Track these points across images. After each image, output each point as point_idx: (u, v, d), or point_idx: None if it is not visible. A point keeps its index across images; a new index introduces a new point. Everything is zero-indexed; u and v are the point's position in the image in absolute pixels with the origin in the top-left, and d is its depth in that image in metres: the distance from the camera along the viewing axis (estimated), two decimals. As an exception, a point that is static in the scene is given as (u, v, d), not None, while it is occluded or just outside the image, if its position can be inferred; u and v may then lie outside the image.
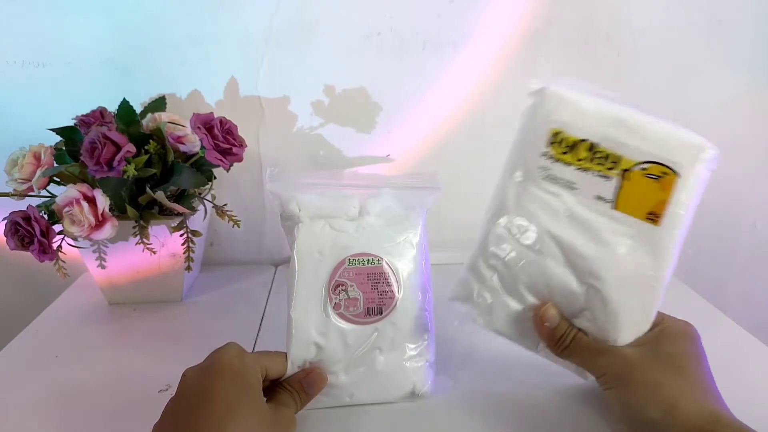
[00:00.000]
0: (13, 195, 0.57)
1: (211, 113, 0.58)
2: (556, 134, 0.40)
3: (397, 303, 0.44)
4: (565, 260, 0.40)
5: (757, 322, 0.63)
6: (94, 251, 0.61)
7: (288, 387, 0.41)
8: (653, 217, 0.38)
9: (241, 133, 0.61)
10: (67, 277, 0.57)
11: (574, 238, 0.40)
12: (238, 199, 0.72)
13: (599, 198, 0.39)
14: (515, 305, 0.42)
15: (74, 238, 0.56)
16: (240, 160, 0.59)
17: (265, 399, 0.39)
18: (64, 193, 0.54)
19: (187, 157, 0.60)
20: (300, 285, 0.44)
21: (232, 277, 0.73)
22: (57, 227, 0.55)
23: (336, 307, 0.44)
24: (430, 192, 0.48)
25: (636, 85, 0.73)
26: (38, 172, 0.55)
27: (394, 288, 0.44)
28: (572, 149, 0.40)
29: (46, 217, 0.55)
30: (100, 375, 0.52)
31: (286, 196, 0.46)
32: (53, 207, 0.54)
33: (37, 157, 0.56)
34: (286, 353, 0.43)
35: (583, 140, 0.39)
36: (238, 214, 0.62)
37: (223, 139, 0.58)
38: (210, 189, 0.66)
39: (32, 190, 0.57)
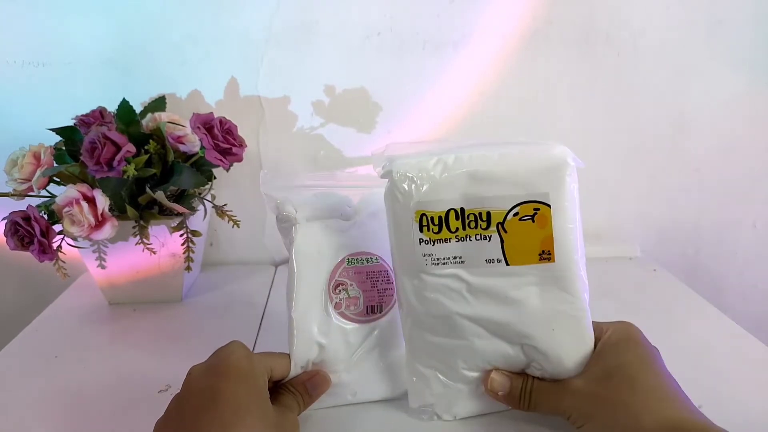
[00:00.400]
0: (12, 195, 0.57)
1: (211, 113, 0.58)
2: (421, 216, 0.39)
3: (397, 300, 0.44)
4: (488, 333, 0.40)
5: (757, 322, 0.63)
6: (94, 251, 0.61)
7: (291, 389, 0.41)
8: (546, 255, 0.38)
9: (241, 133, 0.61)
10: (67, 277, 0.57)
11: (486, 311, 0.40)
12: (238, 199, 0.72)
13: (489, 261, 0.39)
14: (470, 389, 0.43)
15: (74, 238, 0.56)
16: (240, 160, 0.59)
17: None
18: (63, 193, 0.54)
19: (187, 157, 0.60)
20: (300, 286, 0.43)
21: (232, 277, 0.73)
22: (57, 227, 0.55)
23: (337, 306, 0.44)
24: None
25: (636, 85, 0.73)
26: (38, 172, 0.55)
27: (394, 286, 0.44)
28: (443, 224, 0.39)
29: (46, 217, 0.55)
30: (100, 375, 0.52)
31: (282, 198, 0.46)
32: (53, 207, 0.54)
33: (36, 157, 0.56)
34: (288, 356, 0.42)
35: (448, 211, 0.39)
36: (238, 214, 0.62)
37: (222, 139, 0.58)
38: (210, 189, 0.66)
39: (32, 190, 0.57)
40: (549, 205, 0.38)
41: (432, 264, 0.39)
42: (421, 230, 0.39)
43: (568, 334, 0.39)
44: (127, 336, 0.59)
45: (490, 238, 0.38)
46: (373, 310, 0.44)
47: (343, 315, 0.44)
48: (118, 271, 0.63)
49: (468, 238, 0.39)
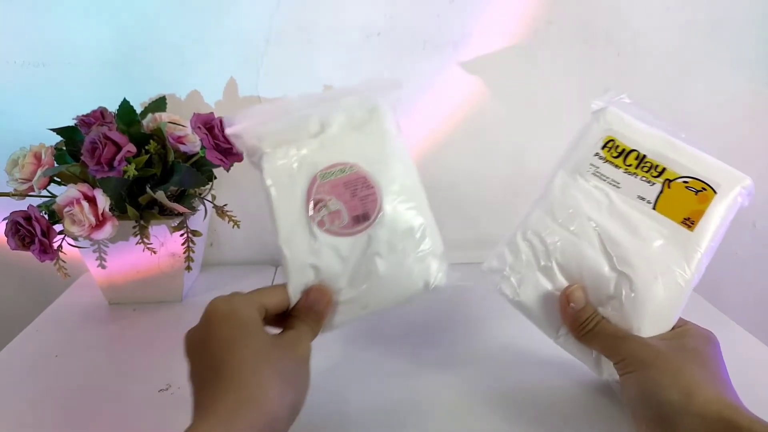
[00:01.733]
0: (13, 195, 0.57)
1: (211, 113, 0.58)
2: (610, 140, 0.44)
3: (383, 203, 0.43)
4: (600, 246, 0.42)
5: (757, 322, 0.63)
6: (94, 251, 0.61)
7: (295, 314, 0.41)
8: (689, 222, 0.42)
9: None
10: (68, 277, 0.57)
11: (612, 227, 0.42)
12: (238, 199, 0.72)
13: (641, 198, 0.43)
14: (545, 283, 0.43)
15: (75, 238, 0.56)
16: (240, 160, 0.59)
17: (280, 331, 0.39)
18: (64, 192, 0.54)
19: (187, 157, 0.60)
20: (280, 214, 0.43)
21: (232, 277, 0.73)
22: (57, 227, 0.55)
23: (320, 224, 0.42)
24: (392, 90, 0.47)
25: (636, 85, 0.73)
26: (39, 172, 0.56)
27: (376, 190, 0.43)
28: (622, 155, 0.44)
29: (46, 216, 0.55)
30: (101, 374, 0.52)
31: (246, 133, 0.44)
32: (54, 207, 0.54)
33: (37, 157, 0.56)
34: (283, 286, 0.42)
35: (633, 150, 0.44)
36: (238, 215, 0.62)
37: (223, 139, 0.58)
38: (210, 189, 0.66)
39: (33, 190, 0.57)
40: (716, 192, 0.42)
41: (593, 174, 0.44)
42: (602, 148, 0.45)
43: (663, 292, 0.41)
44: (128, 336, 0.59)
45: (653, 184, 0.43)
46: (359, 219, 0.42)
47: (329, 231, 0.42)
48: (119, 271, 0.63)
49: (635, 176, 0.43)
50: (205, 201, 0.63)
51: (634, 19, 0.70)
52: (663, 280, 0.41)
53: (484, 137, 0.74)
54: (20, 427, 0.45)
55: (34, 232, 0.53)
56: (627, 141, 0.44)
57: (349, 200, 0.43)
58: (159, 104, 0.66)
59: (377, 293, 0.43)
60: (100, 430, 0.45)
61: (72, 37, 0.67)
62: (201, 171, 0.60)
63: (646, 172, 0.43)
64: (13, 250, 0.54)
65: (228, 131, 0.45)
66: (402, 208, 0.43)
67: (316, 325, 0.41)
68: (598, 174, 0.44)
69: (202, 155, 0.59)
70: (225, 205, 0.63)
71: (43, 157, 0.56)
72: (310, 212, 0.42)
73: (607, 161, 0.44)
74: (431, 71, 0.70)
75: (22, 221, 0.53)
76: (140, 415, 0.46)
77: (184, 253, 0.59)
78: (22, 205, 0.55)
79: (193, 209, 0.61)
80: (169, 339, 0.58)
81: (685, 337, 0.40)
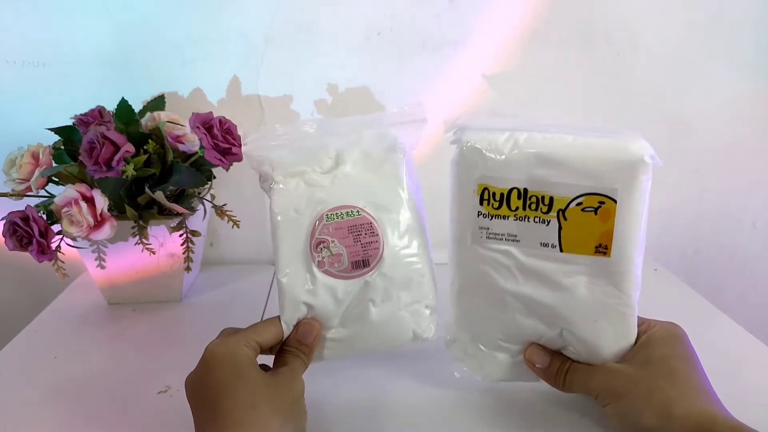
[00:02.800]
0: (11, 195, 0.57)
1: (211, 113, 0.58)
2: (483, 190, 0.39)
3: (384, 252, 0.42)
4: (530, 313, 0.41)
5: (756, 322, 0.63)
6: (93, 251, 0.60)
7: (286, 348, 0.42)
8: (602, 249, 0.37)
9: (241, 132, 0.61)
10: (66, 278, 0.57)
11: (532, 291, 0.40)
12: (237, 199, 0.72)
13: (544, 245, 0.39)
14: (502, 356, 0.44)
15: (73, 239, 0.56)
16: (240, 159, 0.59)
17: (272, 366, 0.41)
18: (62, 193, 0.54)
19: (186, 156, 0.59)
20: (282, 246, 0.43)
21: (232, 277, 0.73)
22: (56, 227, 0.55)
23: (320, 265, 0.42)
24: (417, 126, 0.46)
25: (636, 85, 0.73)
26: (37, 172, 0.55)
27: (380, 238, 0.42)
28: (504, 201, 0.39)
29: (44, 217, 0.54)
30: (100, 375, 0.52)
31: (259, 157, 0.44)
32: (52, 207, 0.54)
33: (35, 157, 0.56)
34: (277, 319, 0.43)
35: (511, 189, 0.39)
36: (237, 214, 0.62)
37: (222, 139, 0.57)
38: (209, 189, 0.65)
39: (31, 190, 0.56)
40: (615, 201, 0.36)
41: (486, 238, 0.40)
42: (481, 203, 0.39)
43: (611, 327, 0.39)
44: (127, 336, 0.59)
45: (548, 222, 0.38)
46: (359, 265, 0.42)
47: (327, 273, 0.42)
48: (118, 271, 0.63)
49: (526, 219, 0.38)
50: (205, 201, 0.63)
51: (634, 19, 0.69)
52: (604, 319, 0.39)
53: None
54: (19, 427, 0.45)
55: (31, 233, 0.52)
56: (500, 182, 0.39)
57: (352, 245, 0.42)
58: (157, 103, 0.65)
59: (366, 338, 0.44)
60: (99, 431, 0.44)
61: (71, 36, 0.67)
62: (200, 171, 0.60)
63: (535, 209, 0.38)
64: (11, 250, 0.54)
65: (244, 149, 0.45)
66: (403, 258, 0.43)
67: (308, 358, 0.42)
68: (491, 235, 0.40)
69: (201, 155, 0.59)
70: (224, 204, 0.62)
71: (41, 156, 0.56)
72: (312, 252, 0.42)
73: (492, 216, 0.39)
74: (431, 71, 0.70)
75: (19, 222, 0.53)
76: (139, 416, 0.46)
77: (184, 253, 0.59)
78: (20, 205, 0.55)
79: (192, 209, 0.60)
80: (169, 339, 0.58)
81: (650, 345, 0.39)
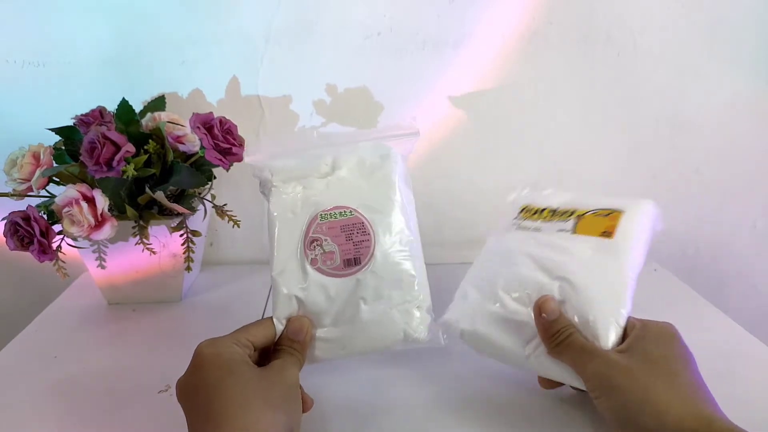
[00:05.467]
0: (12, 195, 0.57)
1: (211, 113, 0.58)
2: (524, 208, 0.53)
3: (375, 251, 0.44)
4: (536, 266, 0.46)
5: (757, 322, 0.63)
6: (93, 251, 0.60)
7: (280, 347, 0.43)
8: (607, 233, 0.46)
9: (241, 132, 0.61)
10: (67, 277, 0.57)
11: (542, 251, 0.46)
12: (238, 199, 0.72)
13: (561, 230, 0.48)
14: (497, 309, 0.45)
15: (74, 238, 0.56)
16: (240, 159, 0.59)
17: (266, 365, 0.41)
18: (63, 193, 0.54)
19: (186, 156, 0.60)
20: (277, 246, 0.45)
21: (232, 277, 0.73)
22: (56, 227, 0.55)
23: (313, 262, 0.44)
24: (409, 138, 0.50)
25: (636, 85, 0.73)
26: (37, 172, 0.55)
27: (371, 237, 0.44)
28: (537, 212, 0.51)
29: (45, 217, 0.55)
30: (100, 375, 0.52)
31: (260, 164, 0.48)
32: (53, 207, 0.54)
33: (36, 157, 0.56)
34: (270, 318, 0.44)
35: (545, 208, 0.51)
36: (237, 214, 0.62)
37: (222, 139, 0.57)
38: (210, 189, 0.66)
39: (31, 190, 0.57)
40: (622, 212, 0.47)
41: (516, 228, 0.51)
42: (519, 212, 0.53)
43: (605, 290, 0.43)
44: (127, 336, 0.59)
45: (567, 220, 0.48)
46: (351, 263, 0.44)
47: (320, 270, 0.44)
48: (118, 271, 0.63)
49: (551, 221, 0.49)
50: (205, 201, 0.63)
51: (634, 19, 0.69)
52: (601, 281, 0.43)
53: (483, 138, 0.74)
54: (20, 427, 0.45)
55: (32, 233, 0.52)
56: (538, 204, 0.52)
57: (344, 243, 0.44)
58: (158, 104, 0.66)
59: (358, 337, 0.44)
60: (99, 430, 0.45)
61: (72, 36, 0.67)
62: (200, 171, 0.60)
63: (560, 216, 0.49)
64: (12, 250, 0.54)
65: (246, 159, 0.48)
66: (394, 258, 0.45)
67: (301, 355, 0.42)
68: (520, 227, 0.50)
69: (202, 155, 0.59)
70: (225, 204, 0.62)
71: (41, 157, 0.56)
72: (306, 249, 0.44)
73: (525, 219, 0.51)
74: (431, 71, 0.70)
75: (20, 221, 0.53)
76: (139, 416, 0.46)
77: (184, 253, 0.59)
78: (21, 205, 0.55)
79: (193, 209, 0.61)
80: (169, 339, 0.58)
81: (647, 343, 0.39)
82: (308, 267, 0.44)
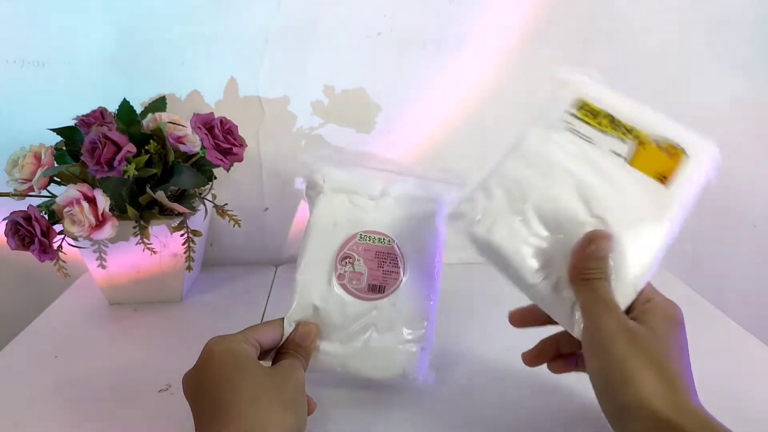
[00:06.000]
0: (13, 195, 0.57)
1: (212, 113, 0.58)
2: (581, 102, 0.44)
3: (401, 285, 0.45)
4: (576, 192, 0.41)
5: (757, 322, 0.63)
6: (94, 251, 0.61)
7: (284, 350, 0.43)
8: (663, 178, 0.41)
9: (241, 133, 0.61)
10: (68, 277, 0.57)
11: (588, 176, 0.41)
12: (238, 199, 0.72)
13: (615, 153, 0.42)
14: (520, 227, 0.41)
15: (75, 238, 0.56)
16: (240, 159, 0.60)
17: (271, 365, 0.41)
18: (64, 193, 0.54)
19: (187, 157, 0.60)
20: (310, 251, 0.46)
21: (232, 277, 0.73)
22: (57, 227, 0.55)
23: (340, 277, 0.45)
24: (455, 187, 0.49)
25: (636, 85, 0.72)
26: (39, 172, 0.55)
27: (400, 270, 0.45)
28: (594, 116, 0.43)
29: (46, 216, 0.55)
30: (101, 375, 0.52)
31: (314, 166, 0.48)
32: (54, 207, 0.54)
33: (37, 157, 0.56)
34: (280, 320, 0.44)
35: (606, 112, 0.43)
36: (238, 214, 0.62)
37: (223, 139, 0.58)
38: (210, 189, 0.66)
39: (33, 190, 0.57)
40: (686, 155, 0.41)
41: (566, 130, 0.43)
42: (574, 107, 0.44)
43: (637, 236, 0.40)
44: (128, 336, 0.59)
45: (625, 141, 0.42)
46: (375, 289, 0.45)
47: (344, 287, 0.45)
48: (119, 271, 0.63)
49: (607, 134, 0.43)
50: (206, 201, 0.63)
51: (634, 19, 0.70)
52: (639, 228, 0.40)
53: (484, 138, 0.74)
54: (20, 426, 0.45)
55: (33, 232, 0.53)
56: (599, 104, 0.44)
57: (374, 269, 0.46)
58: (159, 104, 0.66)
59: (359, 361, 0.45)
60: (100, 430, 0.45)
61: (72, 36, 0.67)
62: (201, 171, 0.60)
63: (619, 131, 0.43)
64: (13, 250, 0.54)
65: (300, 158, 0.48)
66: (415, 296, 0.46)
67: (305, 360, 0.42)
68: (571, 130, 0.43)
69: (202, 155, 0.59)
70: (225, 204, 0.63)
71: (43, 157, 0.56)
72: (337, 263, 0.45)
73: (579, 119, 0.43)
74: (431, 71, 0.70)
75: (21, 221, 0.53)
76: (140, 415, 0.46)
77: (185, 252, 0.59)
78: (22, 205, 0.55)
79: (194, 209, 0.61)
80: (170, 339, 0.58)
81: (656, 319, 0.37)
82: (335, 280, 0.45)
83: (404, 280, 0.45)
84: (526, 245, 0.41)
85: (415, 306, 0.45)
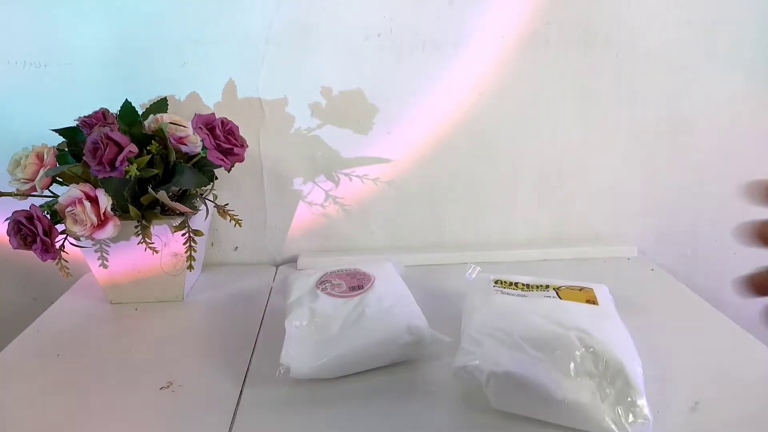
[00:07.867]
0: (16, 195, 0.58)
1: (213, 114, 0.59)
2: (497, 281, 0.55)
3: (375, 282, 0.55)
4: (546, 319, 0.47)
5: (756, 322, 0.63)
6: (96, 251, 0.61)
7: None
8: (591, 302, 0.50)
9: (241, 133, 0.61)
10: (70, 277, 0.57)
11: (545, 309, 0.48)
12: (239, 200, 0.73)
13: (547, 297, 0.51)
14: (519, 353, 0.45)
15: (77, 238, 0.56)
16: (241, 160, 0.60)
17: None
18: (66, 192, 0.54)
19: (188, 157, 0.60)
20: (294, 289, 0.56)
21: (233, 277, 0.73)
22: (60, 227, 0.55)
23: (323, 290, 0.55)
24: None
25: (635, 85, 0.73)
26: (41, 172, 0.56)
27: (372, 278, 0.56)
28: (513, 285, 0.54)
29: (48, 216, 0.55)
30: (102, 374, 0.52)
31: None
32: (56, 206, 0.55)
33: (40, 158, 0.57)
34: None
35: (517, 282, 0.54)
36: (239, 214, 0.62)
37: (224, 140, 0.58)
38: (211, 189, 0.66)
39: (35, 190, 0.57)
40: (592, 288, 0.53)
41: (500, 293, 0.53)
42: (494, 284, 0.54)
43: (617, 336, 0.45)
44: (129, 335, 0.59)
45: (548, 291, 0.52)
46: (355, 288, 0.55)
47: (329, 293, 0.54)
48: (120, 271, 0.63)
49: (530, 291, 0.53)
50: (207, 201, 0.64)
51: (634, 19, 0.70)
52: (607, 329, 0.45)
53: (483, 137, 0.74)
54: (22, 425, 0.45)
55: (36, 232, 0.53)
56: (506, 279, 0.55)
57: (349, 280, 0.56)
58: (160, 105, 0.66)
59: (364, 331, 0.50)
60: (101, 428, 0.45)
61: (73, 37, 0.68)
62: (202, 171, 0.61)
63: (537, 288, 0.53)
64: (15, 249, 0.54)
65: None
66: (390, 286, 0.56)
67: None
68: (504, 292, 0.52)
69: (204, 155, 0.59)
70: (226, 204, 0.63)
71: (45, 157, 0.56)
72: (316, 287, 0.55)
73: (504, 287, 0.53)
74: (431, 72, 0.71)
75: (24, 221, 0.53)
76: (142, 413, 0.46)
77: (186, 252, 0.60)
78: (24, 204, 0.55)
79: (195, 209, 0.61)
80: (171, 338, 0.58)
81: None
82: (319, 292, 0.54)
83: (377, 278, 0.56)
84: (536, 367, 0.44)
85: (393, 290, 0.55)
